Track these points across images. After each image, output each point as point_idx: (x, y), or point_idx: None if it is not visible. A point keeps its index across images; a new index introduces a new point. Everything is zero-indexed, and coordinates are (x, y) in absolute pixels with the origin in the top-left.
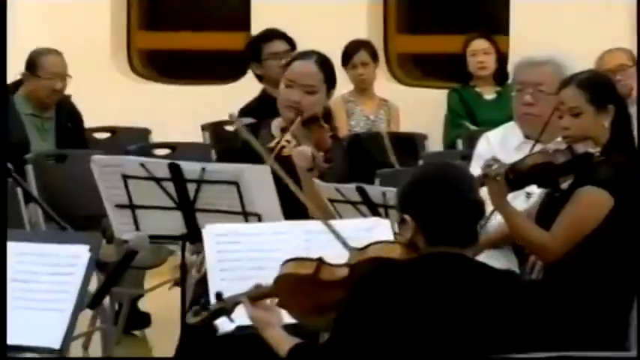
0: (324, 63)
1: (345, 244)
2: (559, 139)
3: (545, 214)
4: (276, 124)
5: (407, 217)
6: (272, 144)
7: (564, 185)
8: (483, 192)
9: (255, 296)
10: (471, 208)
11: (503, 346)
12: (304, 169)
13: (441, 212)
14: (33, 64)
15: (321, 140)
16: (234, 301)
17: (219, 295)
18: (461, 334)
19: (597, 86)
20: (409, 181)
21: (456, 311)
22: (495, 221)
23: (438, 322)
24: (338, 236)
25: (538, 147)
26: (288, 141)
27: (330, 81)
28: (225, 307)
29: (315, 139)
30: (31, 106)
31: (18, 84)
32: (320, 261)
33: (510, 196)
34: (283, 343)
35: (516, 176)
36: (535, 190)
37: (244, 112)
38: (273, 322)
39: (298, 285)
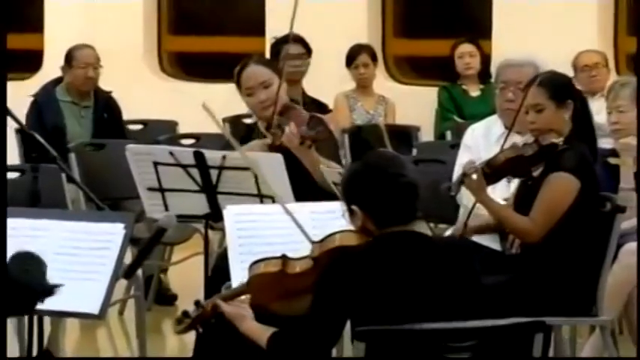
0: (261, 60)
1: (306, 236)
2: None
3: (522, 201)
4: (261, 124)
5: (354, 207)
6: (269, 141)
7: (536, 173)
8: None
9: (228, 296)
10: (406, 189)
11: (456, 304)
12: (298, 146)
13: (380, 198)
14: (69, 57)
15: (297, 117)
16: (211, 304)
17: (197, 302)
18: (420, 297)
19: (556, 84)
20: (348, 175)
21: (412, 279)
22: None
23: (398, 291)
24: (300, 228)
25: (514, 136)
26: (275, 133)
27: (276, 71)
28: (205, 312)
29: (293, 119)
30: (70, 95)
31: (60, 80)
32: (284, 258)
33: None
34: (261, 333)
35: (492, 171)
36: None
37: None
38: (247, 316)
39: (269, 282)
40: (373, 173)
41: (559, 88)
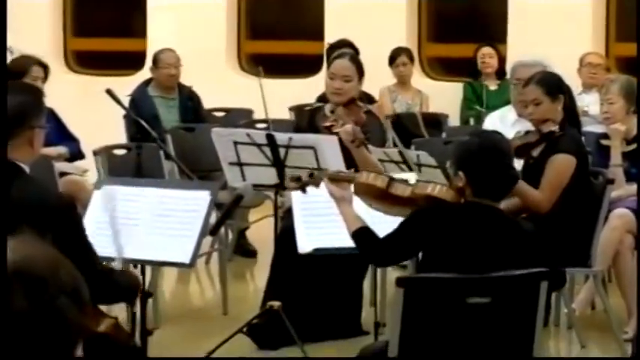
0: (354, 59)
1: (414, 170)
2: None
3: (527, 176)
4: (328, 107)
5: (461, 173)
6: (327, 123)
7: (535, 153)
8: None
9: (335, 177)
10: (511, 179)
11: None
12: (350, 143)
13: (489, 178)
14: (155, 59)
15: (358, 118)
16: (320, 178)
17: (311, 174)
18: (485, 257)
19: (550, 82)
20: (467, 147)
21: (487, 245)
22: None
23: (472, 249)
24: (412, 168)
25: (524, 121)
26: (335, 120)
27: (360, 72)
28: (314, 181)
29: (354, 118)
30: (158, 90)
31: (150, 80)
32: (390, 178)
33: None
34: (353, 221)
35: None
36: None
37: (320, 98)
38: (347, 199)
39: (372, 190)
40: (492, 157)
41: (553, 85)
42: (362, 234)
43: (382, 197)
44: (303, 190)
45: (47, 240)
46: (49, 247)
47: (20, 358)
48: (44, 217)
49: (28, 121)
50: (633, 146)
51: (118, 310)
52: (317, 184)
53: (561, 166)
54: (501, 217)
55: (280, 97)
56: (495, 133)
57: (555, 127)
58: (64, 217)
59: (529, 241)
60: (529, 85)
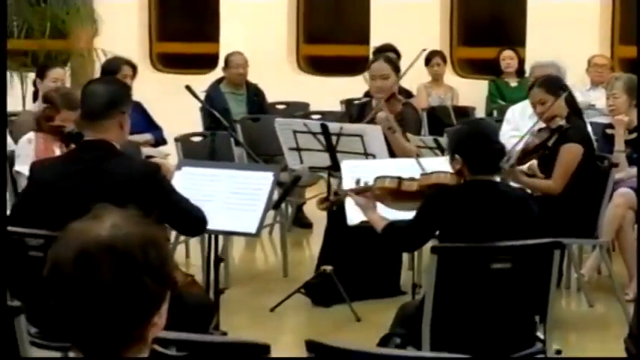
0: (388, 59)
1: (423, 168)
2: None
3: (544, 163)
4: (375, 102)
5: (457, 156)
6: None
7: (549, 143)
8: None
9: (358, 190)
10: (498, 152)
11: (513, 233)
12: (386, 129)
13: (479, 155)
14: (226, 61)
15: (392, 107)
16: (345, 193)
17: (336, 192)
18: (489, 226)
19: (549, 82)
20: (459, 134)
21: (487, 213)
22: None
23: (476, 219)
24: (420, 164)
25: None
26: (377, 111)
27: (396, 69)
28: (340, 198)
29: (390, 108)
30: (229, 87)
31: (222, 79)
32: (400, 178)
33: None
34: (380, 222)
35: (525, 157)
36: None
37: (366, 94)
38: (372, 206)
39: (387, 191)
40: (479, 137)
41: (552, 84)
42: (389, 229)
43: (397, 196)
44: (333, 209)
45: (151, 216)
46: (148, 225)
47: (100, 321)
48: (144, 181)
49: (120, 106)
50: (634, 135)
51: (195, 272)
52: (343, 200)
53: (570, 154)
54: (497, 188)
55: (332, 92)
56: (480, 119)
57: (563, 122)
58: (156, 176)
59: (520, 204)
60: (532, 89)
